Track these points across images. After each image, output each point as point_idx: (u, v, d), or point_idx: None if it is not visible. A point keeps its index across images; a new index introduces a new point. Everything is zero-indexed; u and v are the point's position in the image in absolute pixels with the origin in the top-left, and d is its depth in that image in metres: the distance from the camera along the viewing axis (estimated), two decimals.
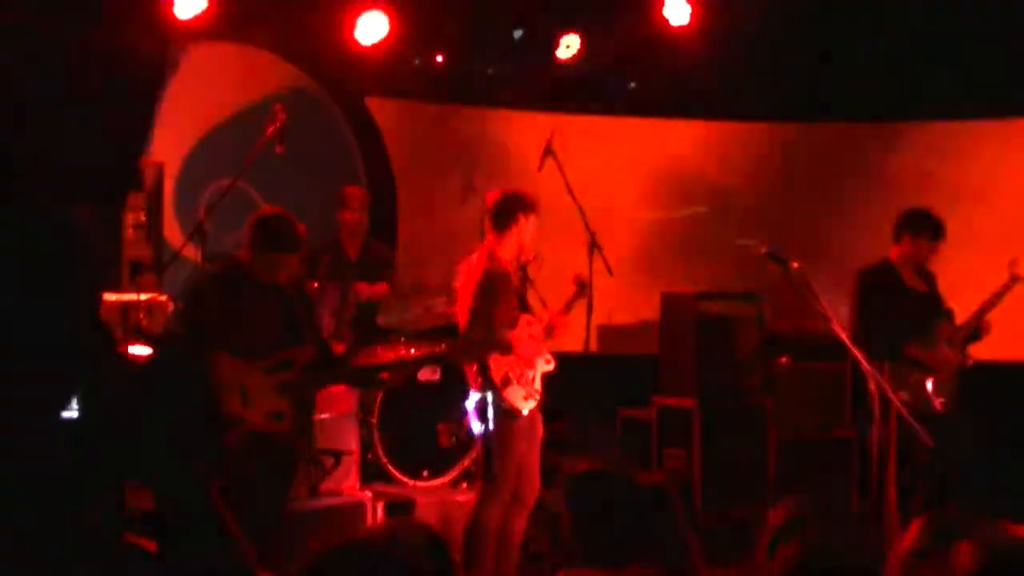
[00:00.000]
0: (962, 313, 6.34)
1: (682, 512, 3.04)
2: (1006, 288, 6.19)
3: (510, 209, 5.58)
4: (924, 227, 6.25)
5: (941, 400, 6.11)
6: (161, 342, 4.96)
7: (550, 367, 5.71)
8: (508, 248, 5.61)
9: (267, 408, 4.98)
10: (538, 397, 5.60)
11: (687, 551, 2.98)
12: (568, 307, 5.81)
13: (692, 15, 7.59)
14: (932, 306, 6.28)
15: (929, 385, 6.12)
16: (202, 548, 1.35)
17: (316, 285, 6.33)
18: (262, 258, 5.07)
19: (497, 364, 5.50)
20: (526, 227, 5.58)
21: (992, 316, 6.25)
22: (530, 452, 5.57)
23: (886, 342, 6.11)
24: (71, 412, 1.36)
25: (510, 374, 5.52)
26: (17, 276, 1.25)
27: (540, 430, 5.66)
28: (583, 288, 5.89)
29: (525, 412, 5.53)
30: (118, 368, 1.35)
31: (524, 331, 5.62)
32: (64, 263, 1.28)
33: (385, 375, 6.37)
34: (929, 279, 6.37)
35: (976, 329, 6.26)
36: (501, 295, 5.55)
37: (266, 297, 5.12)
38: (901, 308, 6.21)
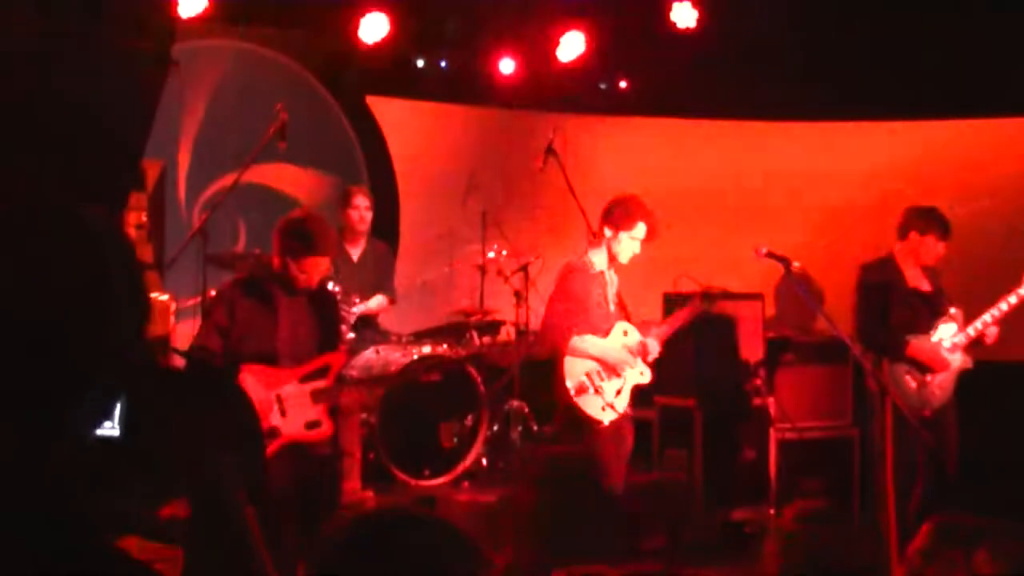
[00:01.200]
0: (966, 313, 6.30)
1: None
2: (1018, 295, 6.03)
3: (613, 220, 5.51)
4: (931, 226, 6.16)
5: (937, 402, 6.08)
6: (198, 356, 4.87)
7: (644, 379, 5.57)
8: (601, 254, 5.55)
9: (304, 418, 4.87)
10: (621, 409, 5.46)
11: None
12: (681, 324, 5.65)
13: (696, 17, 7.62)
14: (935, 305, 6.22)
15: (925, 386, 6.09)
16: (229, 559, 1.34)
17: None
18: (295, 263, 4.93)
19: (574, 369, 5.43)
20: (624, 242, 5.48)
21: (995, 320, 6.14)
22: (614, 462, 5.45)
23: (886, 339, 6.09)
24: (112, 429, 1.35)
25: (587, 381, 5.41)
26: (53, 280, 1.24)
27: (628, 442, 5.54)
28: (710, 301, 5.72)
29: (605, 422, 5.40)
30: (160, 382, 1.33)
31: (617, 340, 5.51)
32: (116, 269, 1.26)
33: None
34: (933, 278, 6.31)
35: (981, 335, 6.14)
36: (578, 296, 5.47)
37: (297, 302, 5.01)
38: (902, 305, 6.16)
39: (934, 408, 6.04)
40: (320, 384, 4.93)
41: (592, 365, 5.46)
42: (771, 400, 6.87)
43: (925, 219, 6.16)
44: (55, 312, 1.19)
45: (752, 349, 7.09)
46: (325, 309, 5.18)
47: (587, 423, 5.43)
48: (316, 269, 4.99)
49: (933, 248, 6.15)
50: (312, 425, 4.89)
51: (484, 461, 6.69)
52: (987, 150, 8.51)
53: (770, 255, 5.62)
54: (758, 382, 6.84)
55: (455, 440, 6.57)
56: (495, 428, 6.97)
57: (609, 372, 5.45)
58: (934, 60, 8.01)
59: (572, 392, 5.43)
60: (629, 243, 5.49)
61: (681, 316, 5.89)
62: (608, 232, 5.53)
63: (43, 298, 1.19)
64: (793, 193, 8.83)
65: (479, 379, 6.61)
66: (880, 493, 5.89)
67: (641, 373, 5.57)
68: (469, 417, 6.62)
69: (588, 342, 5.47)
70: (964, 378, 6.18)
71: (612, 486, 5.41)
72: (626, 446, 5.56)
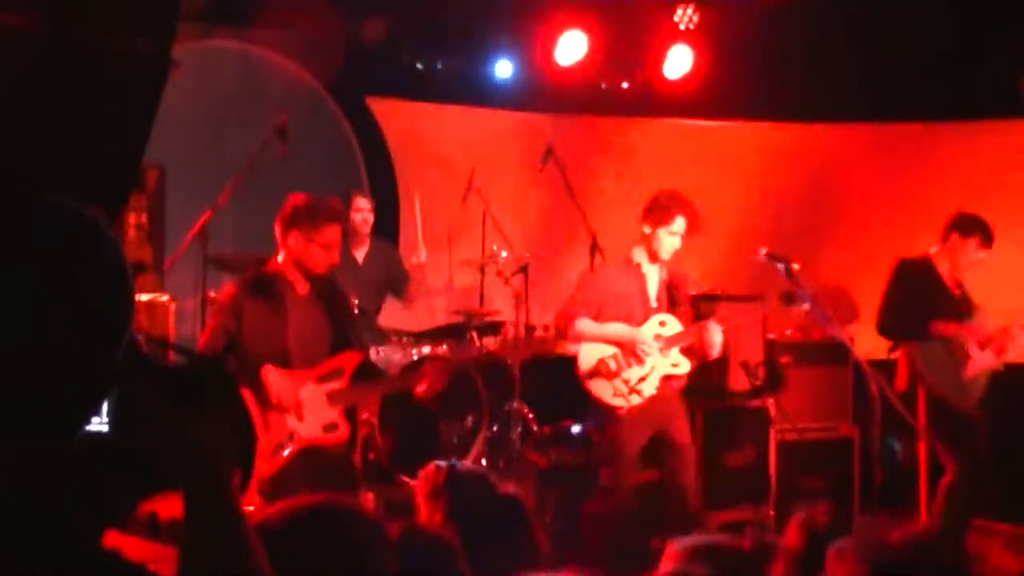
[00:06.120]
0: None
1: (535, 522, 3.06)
2: None
3: (652, 216, 5.58)
4: (974, 231, 6.20)
5: (971, 399, 6.10)
6: (193, 352, 4.82)
7: (678, 371, 5.62)
8: (642, 250, 5.66)
9: (322, 421, 4.79)
10: (647, 394, 5.51)
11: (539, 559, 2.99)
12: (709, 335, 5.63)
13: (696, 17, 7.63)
14: (961, 307, 6.25)
15: (961, 384, 6.10)
16: (221, 557, 1.34)
17: None
18: (317, 234, 4.81)
19: (589, 354, 5.51)
20: (663, 238, 5.55)
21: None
22: (668, 462, 5.58)
23: (913, 320, 6.08)
24: (100, 426, 1.35)
25: (602, 367, 5.49)
26: (43, 277, 1.24)
27: (671, 437, 5.59)
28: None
29: (620, 409, 5.48)
30: (150, 378, 1.33)
31: (650, 329, 5.57)
32: (100, 261, 1.26)
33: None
34: (959, 284, 6.36)
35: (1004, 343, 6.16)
36: (596, 285, 5.61)
37: (305, 300, 4.92)
38: (934, 300, 6.18)
39: (967, 404, 6.07)
40: (336, 385, 4.86)
41: (610, 350, 5.50)
42: (771, 401, 6.88)
43: (970, 224, 6.20)
44: (45, 309, 1.19)
45: (752, 350, 7.08)
46: (335, 305, 5.05)
47: (605, 407, 5.50)
48: (335, 239, 4.87)
49: (972, 253, 6.18)
50: (329, 428, 4.82)
51: (484, 462, 6.69)
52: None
53: (770, 256, 5.64)
54: (758, 383, 6.85)
55: (455, 441, 6.57)
56: (495, 429, 6.98)
57: (629, 357, 5.48)
58: (936, 59, 8.02)
59: (584, 375, 5.49)
60: (668, 238, 5.55)
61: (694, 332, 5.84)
62: (647, 229, 5.60)
63: (32, 294, 1.19)
64: (793, 194, 8.83)
65: (479, 380, 6.61)
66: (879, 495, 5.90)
67: (674, 364, 5.59)
68: (469, 418, 6.62)
69: (596, 325, 5.52)
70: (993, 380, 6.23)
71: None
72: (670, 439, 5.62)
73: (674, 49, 8.07)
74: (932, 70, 8.03)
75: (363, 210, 6.98)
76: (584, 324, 5.52)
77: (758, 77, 8.33)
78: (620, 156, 8.85)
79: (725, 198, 8.84)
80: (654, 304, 5.66)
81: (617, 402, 5.49)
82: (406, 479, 6.27)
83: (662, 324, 5.62)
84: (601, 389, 5.52)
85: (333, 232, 4.88)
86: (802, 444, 6.88)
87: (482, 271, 7.59)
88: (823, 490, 6.87)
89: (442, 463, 3.29)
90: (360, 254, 7.04)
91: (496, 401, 6.87)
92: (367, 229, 7.03)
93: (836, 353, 6.85)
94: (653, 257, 5.63)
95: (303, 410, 4.76)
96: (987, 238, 6.18)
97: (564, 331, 5.61)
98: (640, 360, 5.50)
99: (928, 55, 7.97)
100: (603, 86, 8.74)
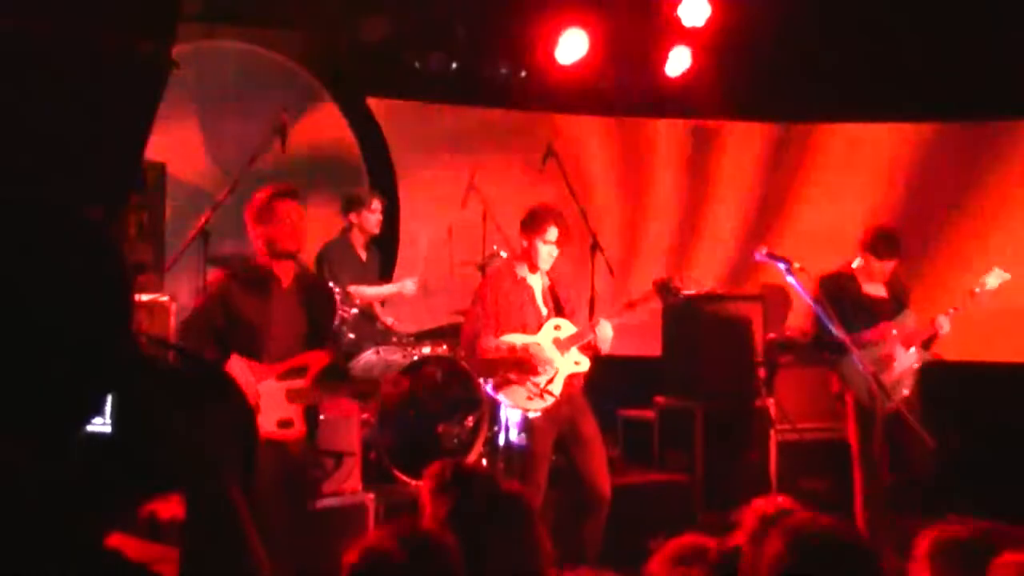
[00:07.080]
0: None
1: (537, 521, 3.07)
2: (963, 303, 6.32)
3: (527, 229, 5.83)
4: (871, 246, 6.36)
5: (896, 396, 6.17)
6: (191, 352, 4.82)
7: (581, 368, 5.82)
8: (523, 264, 5.90)
9: (278, 416, 4.82)
10: (551, 398, 5.71)
11: (540, 558, 3.00)
12: (630, 309, 5.90)
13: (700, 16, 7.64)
14: (886, 311, 6.36)
15: (882, 385, 6.16)
16: (223, 557, 1.34)
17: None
18: (267, 224, 4.89)
19: (495, 365, 5.72)
20: (540, 248, 5.77)
21: (954, 319, 6.33)
22: (576, 454, 5.75)
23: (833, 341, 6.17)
24: (103, 425, 1.34)
25: (511, 375, 5.70)
26: (43, 277, 1.24)
27: (579, 431, 5.76)
28: (668, 292, 5.97)
29: (534, 412, 5.68)
30: (151, 378, 1.33)
31: (547, 335, 5.82)
32: (99, 261, 1.26)
33: (391, 388, 6.30)
34: (894, 286, 6.44)
35: (933, 329, 6.35)
36: (493, 300, 5.80)
37: (290, 296, 4.98)
38: (853, 312, 6.27)
39: (891, 406, 6.13)
40: (297, 384, 4.88)
41: (515, 359, 5.75)
42: (771, 401, 6.88)
43: (870, 239, 6.36)
44: (44, 309, 1.19)
45: (753, 350, 7.09)
46: (317, 302, 5.11)
47: (519, 415, 5.74)
48: (290, 212, 4.91)
49: (876, 265, 6.34)
50: (284, 424, 4.84)
51: (484, 462, 6.69)
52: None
53: (770, 256, 5.65)
54: (758, 383, 6.86)
55: (455, 441, 6.57)
56: (495, 429, 6.97)
57: (531, 368, 5.72)
58: (937, 60, 8.02)
59: (494, 385, 5.74)
60: (544, 247, 5.78)
61: (634, 304, 6.07)
62: (524, 242, 5.86)
63: (36, 295, 1.19)
64: (793, 194, 8.83)
65: (480, 380, 6.60)
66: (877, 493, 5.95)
67: (576, 363, 5.81)
68: (469, 418, 6.62)
69: (504, 340, 5.75)
70: (928, 377, 6.31)
71: (530, 486, 5.53)
72: (576, 435, 5.76)
73: (675, 49, 8.07)
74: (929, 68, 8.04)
75: (377, 211, 7.05)
76: (489, 342, 5.76)
77: (759, 77, 8.34)
78: (620, 156, 8.85)
79: (726, 197, 8.85)
80: (544, 312, 5.90)
81: (532, 405, 5.70)
82: (407, 479, 6.28)
83: (557, 328, 5.84)
84: (514, 394, 5.71)
85: (286, 207, 4.93)
86: (802, 444, 6.89)
87: (482, 271, 7.59)
88: (823, 490, 6.88)
89: (448, 460, 3.30)
90: (364, 253, 7.07)
91: (496, 401, 6.88)
92: (379, 230, 7.08)
93: (836, 352, 6.86)
94: (533, 268, 5.88)
95: (259, 403, 4.78)
96: (879, 251, 6.38)
97: (473, 349, 5.84)
98: (538, 369, 5.72)
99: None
100: (603, 86, 8.75)
